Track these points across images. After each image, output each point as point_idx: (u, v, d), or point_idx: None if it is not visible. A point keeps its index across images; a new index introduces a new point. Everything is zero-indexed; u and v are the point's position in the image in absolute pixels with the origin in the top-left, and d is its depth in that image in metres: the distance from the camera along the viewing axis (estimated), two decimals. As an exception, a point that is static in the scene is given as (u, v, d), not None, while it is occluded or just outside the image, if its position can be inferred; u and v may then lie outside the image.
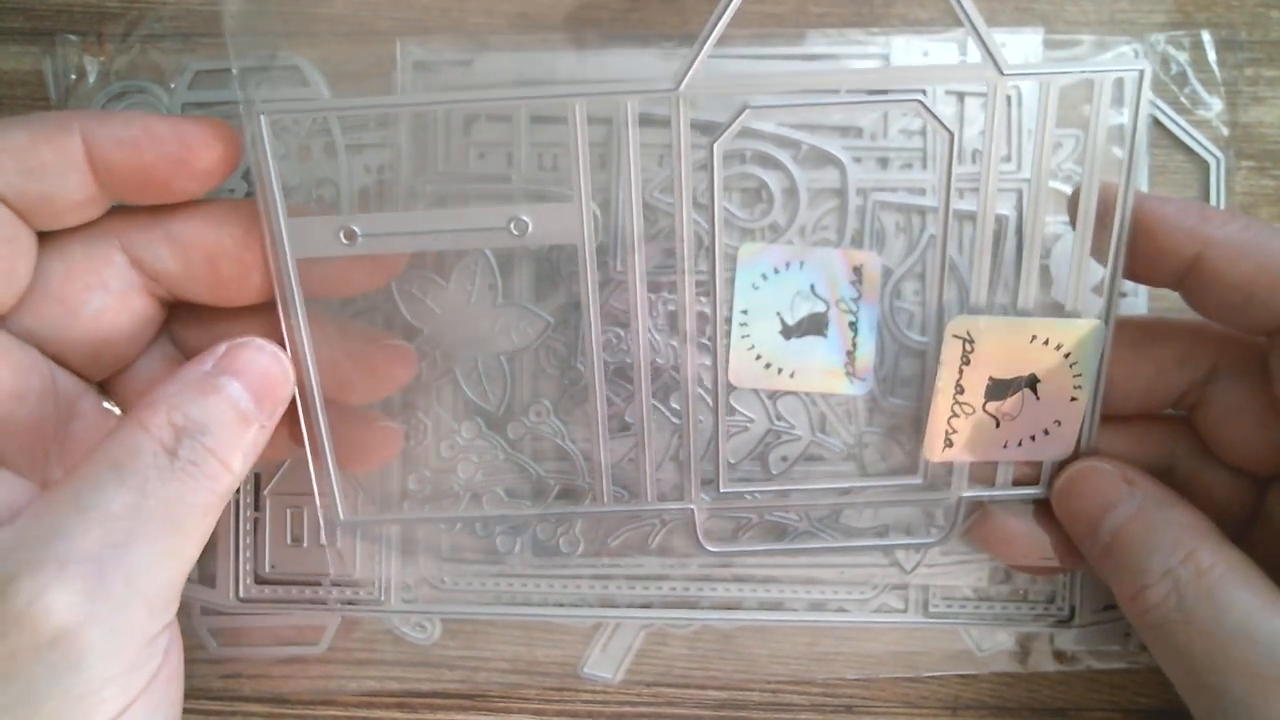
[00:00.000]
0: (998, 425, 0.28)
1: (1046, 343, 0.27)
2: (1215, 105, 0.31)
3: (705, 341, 0.28)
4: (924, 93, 0.27)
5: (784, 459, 0.30)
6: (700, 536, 0.29)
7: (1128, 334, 0.28)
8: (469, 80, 0.30)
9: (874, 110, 0.30)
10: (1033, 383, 0.28)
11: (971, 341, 0.27)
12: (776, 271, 0.30)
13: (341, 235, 0.26)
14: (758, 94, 0.26)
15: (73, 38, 0.32)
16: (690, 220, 0.27)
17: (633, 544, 0.31)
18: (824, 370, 0.30)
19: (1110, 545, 0.27)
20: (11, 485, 0.24)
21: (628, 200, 0.27)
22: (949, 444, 0.28)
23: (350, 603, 0.32)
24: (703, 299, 0.28)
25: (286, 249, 0.26)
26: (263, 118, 0.25)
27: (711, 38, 0.25)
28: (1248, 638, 0.24)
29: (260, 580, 0.32)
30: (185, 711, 0.33)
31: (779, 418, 0.30)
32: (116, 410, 0.28)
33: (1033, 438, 0.28)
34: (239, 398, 0.24)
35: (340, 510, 0.28)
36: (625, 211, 0.27)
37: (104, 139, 0.25)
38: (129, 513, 0.22)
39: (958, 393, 0.28)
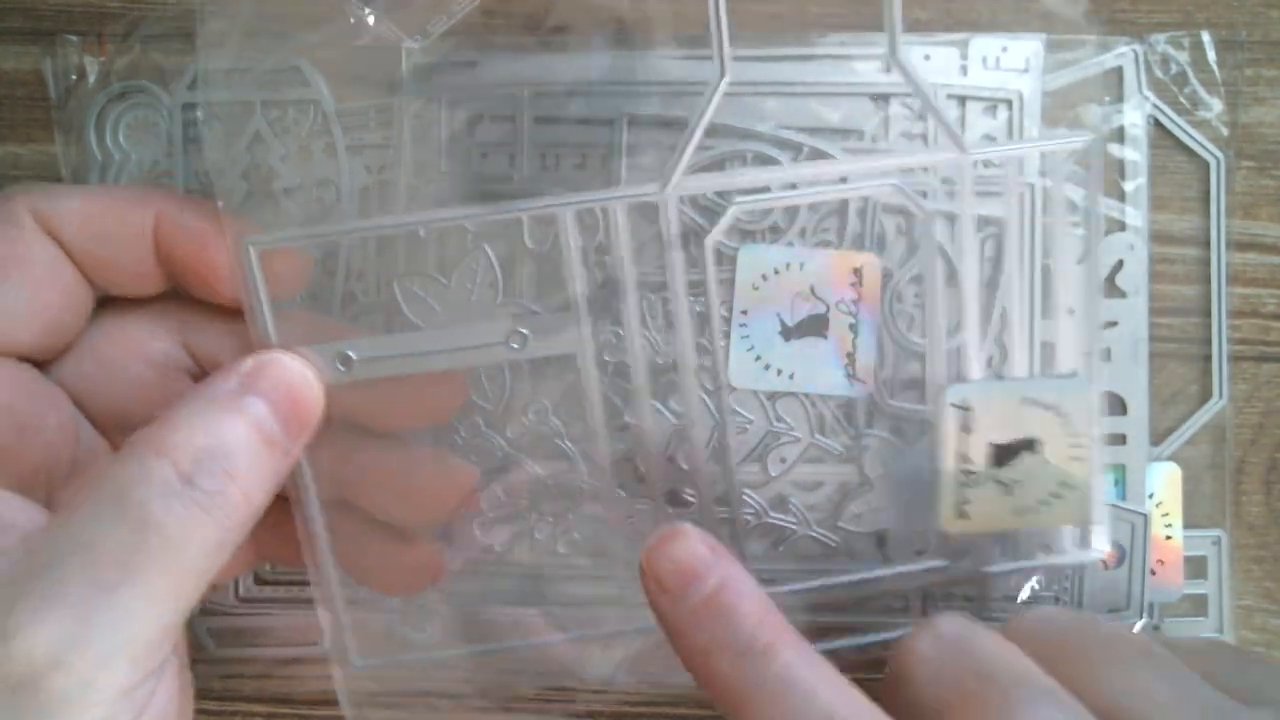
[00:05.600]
0: (1008, 492, 0.27)
1: (1037, 403, 0.27)
2: (1215, 105, 0.31)
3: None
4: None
5: (783, 460, 0.30)
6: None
7: None
8: (472, 82, 0.30)
9: (876, 115, 0.30)
10: (1032, 445, 0.27)
11: (969, 410, 0.27)
12: (776, 273, 0.30)
13: (338, 362, 0.25)
14: (741, 189, 0.27)
15: (73, 38, 0.32)
16: (691, 322, 0.27)
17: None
18: (824, 372, 0.30)
19: None
20: (22, 509, 0.22)
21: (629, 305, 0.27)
22: (964, 515, 0.28)
23: (351, 603, 0.32)
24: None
25: None
26: (252, 250, 0.25)
27: (693, 140, 0.25)
28: None
29: (260, 580, 0.32)
30: (186, 711, 0.33)
31: (778, 419, 0.30)
32: None
33: (1043, 502, 0.28)
34: (265, 420, 0.23)
35: (352, 653, 0.28)
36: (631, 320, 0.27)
37: (174, 224, 0.25)
38: (126, 550, 0.20)
39: (963, 462, 0.27)
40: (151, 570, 0.20)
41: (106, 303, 0.26)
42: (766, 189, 0.28)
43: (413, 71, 0.30)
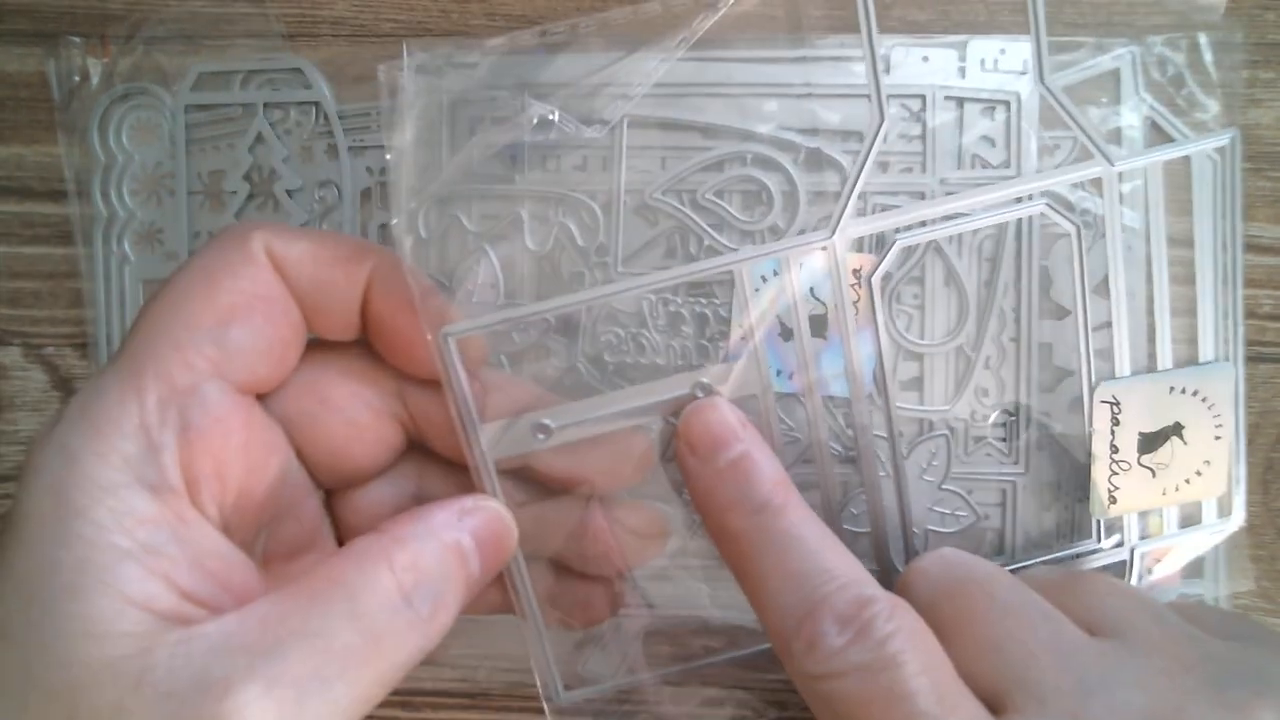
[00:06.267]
0: (1154, 475, 0.29)
1: (1184, 391, 0.29)
2: (1212, 107, 0.32)
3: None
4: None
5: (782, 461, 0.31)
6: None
7: None
8: (473, 84, 0.30)
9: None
10: (1179, 430, 0.29)
11: (1118, 404, 0.29)
12: (776, 274, 0.30)
13: (537, 433, 0.27)
14: (906, 226, 0.28)
15: (76, 40, 0.32)
16: (875, 355, 0.28)
17: None
18: (823, 372, 0.30)
19: None
20: (243, 568, 0.24)
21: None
22: (1114, 501, 0.30)
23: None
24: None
25: (485, 453, 0.26)
26: (451, 341, 0.26)
27: (856, 186, 0.27)
28: None
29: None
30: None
31: (778, 420, 0.30)
32: (328, 521, 0.28)
33: (1187, 480, 0.30)
34: (471, 558, 0.25)
35: (559, 689, 0.29)
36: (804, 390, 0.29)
37: (384, 286, 0.26)
38: (347, 650, 0.22)
39: (1113, 452, 0.29)
40: (364, 671, 0.22)
41: (324, 342, 0.27)
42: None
43: (414, 73, 0.31)
